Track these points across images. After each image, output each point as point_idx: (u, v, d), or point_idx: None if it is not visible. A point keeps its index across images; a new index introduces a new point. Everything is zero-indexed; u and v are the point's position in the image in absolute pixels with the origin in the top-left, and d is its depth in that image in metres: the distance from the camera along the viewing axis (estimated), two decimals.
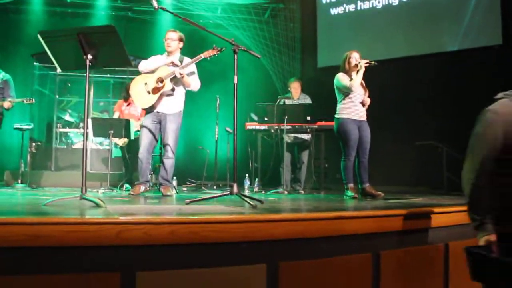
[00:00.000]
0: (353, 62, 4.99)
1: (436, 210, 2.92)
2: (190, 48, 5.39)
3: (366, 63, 4.92)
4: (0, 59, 6.17)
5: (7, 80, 6.09)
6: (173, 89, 4.90)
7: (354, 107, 4.99)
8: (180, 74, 4.80)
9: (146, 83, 4.87)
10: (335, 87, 5.08)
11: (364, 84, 5.09)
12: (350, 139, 4.92)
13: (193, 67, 4.99)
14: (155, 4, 3.66)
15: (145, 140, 4.98)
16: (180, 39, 5.03)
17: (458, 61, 7.36)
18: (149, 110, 4.97)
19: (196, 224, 2.10)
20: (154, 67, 4.91)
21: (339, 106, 5.06)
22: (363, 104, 5.05)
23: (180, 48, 5.07)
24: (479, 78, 6.97)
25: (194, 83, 5.01)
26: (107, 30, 3.19)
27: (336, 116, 5.06)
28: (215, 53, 4.74)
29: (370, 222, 2.57)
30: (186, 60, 5.00)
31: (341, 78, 5.01)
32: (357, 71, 4.93)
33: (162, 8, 3.81)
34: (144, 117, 5.12)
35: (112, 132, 6.10)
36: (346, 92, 4.97)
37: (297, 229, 2.31)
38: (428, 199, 4.51)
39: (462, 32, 7.51)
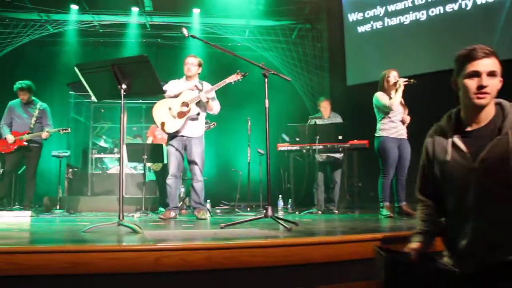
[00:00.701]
0: (392, 81, 4.98)
1: None
2: (219, 71, 5.47)
3: (405, 81, 4.91)
4: (37, 89, 6.41)
5: (44, 109, 6.32)
6: (198, 113, 4.98)
7: (394, 125, 4.96)
8: (206, 98, 4.88)
9: (170, 108, 4.93)
10: (374, 106, 5.07)
11: (403, 102, 5.05)
12: (389, 157, 4.88)
13: (213, 92, 5.06)
14: (185, 32, 3.75)
15: (173, 165, 5.03)
16: (199, 64, 5.14)
17: None
18: (173, 135, 5.02)
19: (232, 249, 2.11)
20: (177, 92, 4.99)
21: (379, 125, 5.04)
22: (403, 122, 5.01)
23: (199, 73, 5.16)
24: None
25: (216, 107, 5.09)
26: (140, 60, 3.28)
27: (376, 134, 5.04)
28: (239, 78, 4.82)
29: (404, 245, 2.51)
30: (206, 84, 5.09)
31: (380, 97, 4.99)
32: (396, 90, 4.91)
33: (192, 36, 3.89)
34: (168, 142, 5.14)
35: (146, 157, 6.21)
36: (386, 111, 4.94)
37: (333, 252, 2.28)
38: None
39: (494, 43, 7.37)
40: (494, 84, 1.95)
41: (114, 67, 3.18)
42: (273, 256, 2.14)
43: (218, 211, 7.27)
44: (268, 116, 3.50)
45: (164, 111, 4.96)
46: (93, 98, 3.59)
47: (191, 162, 5.04)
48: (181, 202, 6.60)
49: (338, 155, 6.44)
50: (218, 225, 3.48)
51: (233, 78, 4.84)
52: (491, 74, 1.95)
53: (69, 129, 6.36)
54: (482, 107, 1.95)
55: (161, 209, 6.52)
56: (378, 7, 8.65)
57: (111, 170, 8.69)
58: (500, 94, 2.04)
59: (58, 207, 6.98)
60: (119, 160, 3.32)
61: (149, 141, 7.10)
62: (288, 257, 2.17)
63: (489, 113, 1.98)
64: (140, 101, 9.53)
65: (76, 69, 3.33)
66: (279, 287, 2.15)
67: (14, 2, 8.48)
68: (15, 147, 6.07)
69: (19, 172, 6.94)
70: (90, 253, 1.94)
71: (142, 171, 6.81)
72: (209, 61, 9.06)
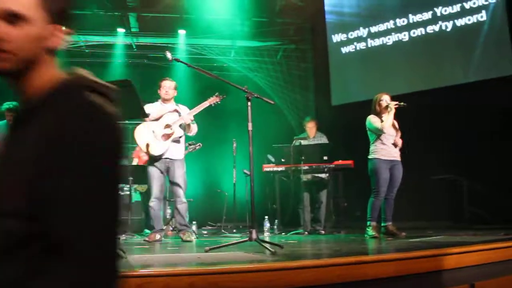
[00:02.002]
0: (384, 104, 5.08)
1: (460, 249, 2.86)
2: (204, 92, 5.52)
3: (396, 104, 5.02)
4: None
5: None
6: (181, 136, 5.01)
7: (385, 147, 5.05)
8: (191, 119, 4.93)
9: (153, 131, 4.96)
10: (367, 129, 5.16)
11: (396, 125, 5.14)
12: (380, 179, 4.95)
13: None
14: (169, 56, 3.78)
15: (156, 187, 5.02)
16: (175, 88, 5.21)
17: (471, 93, 7.33)
18: (156, 157, 5.02)
19: (215, 274, 2.10)
20: (158, 115, 5.02)
21: (371, 148, 5.14)
22: (395, 145, 5.09)
23: (174, 96, 5.21)
24: (494, 109, 6.93)
25: (195, 129, 5.16)
26: (124, 84, 3.29)
27: (369, 157, 5.14)
28: (218, 100, 4.95)
29: (392, 266, 2.52)
30: (183, 107, 5.16)
31: (372, 120, 5.08)
32: (388, 113, 5.01)
33: (176, 60, 3.93)
34: (150, 165, 5.11)
35: (131, 178, 6.17)
36: (378, 133, 5.03)
37: (315, 276, 2.28)
38: (450, 236, 4.43)
39: (474, 63, 7.53)
40: (17, 36, 1.02)
41: None
42: (256, 281, 2.13)
43: (205, 232, 7.22)
44: (251, 139, 3.52)
45: (147, 134, 4.97)
46: None
47: (174, 184, 5.03)
48: (167, 224, 6.54)
49: (323, 175, 6.47)
50: (203, 248, 3.46)
51: (212, 101, 4.96)
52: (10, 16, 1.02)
53: None
54: None
55: (147, 231, 6.45)
56: (361, 28, 8.80)
57: None
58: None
59: None
60: None
61: (134, 162, 7.06)
62: (271, 282, 2.16)
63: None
64: (126, 121, 9.48)
65: None
66: None
67: None
68: None
69: None
70: None
71: (128, 192, 6.76)
72: (194, 81, 9.11)
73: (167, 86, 5.13)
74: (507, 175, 6.52)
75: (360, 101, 5.43)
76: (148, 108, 5.10)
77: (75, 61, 9.87)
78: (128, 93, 3.26)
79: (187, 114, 4.95)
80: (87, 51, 9.74)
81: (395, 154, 5.08)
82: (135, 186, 6.80)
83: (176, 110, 5.05)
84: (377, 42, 8.60)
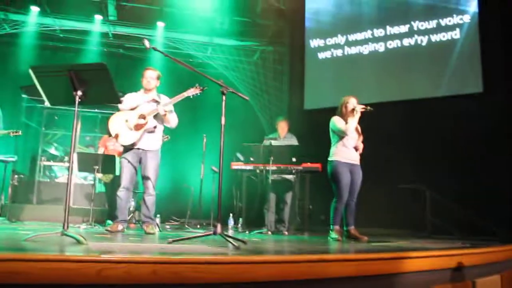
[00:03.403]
0: (350, 107, 5.09)
1: (419, 254, 2.93)
2: (179, 85, 5.46)
3: (362, 108, 5.04)
4: None
5: None
6: (155, 126, 4.94)
7: (346, 150, 5.06)
8: (164, 111, 4.85)
9: (127, 120, 4.88)
10: (330, 130, 5.17)
11: (359, 129, 5.18)
12: (341, 182, 4.97)
13: (171, 105, 5.05)
14: (147, 44, 3.73)
15: (126, 177, 4.95)
16: (158, 77, 5.12)
17: (441, 108, 7.53)
18: (129, 147, 4.96)
19: (178, 264, 2.08)
20: (134, 104, 4.95)
21: (332, 149, 5.13)
22: (356, 148, 5.13)
23: (157, 86, 5.14)
24: (461, 124, 7.14)
25: (174, 120, 5.06)
26: (98, 67, 3.23)
27: (329, 159, 5.13)
28: (198, 92, 4.81)
29: (352, 266, 2.56)
30: (164, 97, 5.07)
31: (336, 122, 5.10)
32: (353, 116, 5.03)
33: (153, 48, 3.89)
34: (123, 154, 5.07)
35: (97, 167, 6.07)
36: (341, 135, 5.05)
37: (279, 272, 2.29)
38: (410, 243, 4.52)
39: (446, 79, 7.74)
40: None
41: (71, 72, 3.11)
42: (218, 273, 2.12)
43: (168, 226, 7.17)
44: (223, 133, 3.52)
45: (120, 123, 4.89)
46: (47, 103, 3.50)
47: (145, 176, 4.97)
48: (130, 216, 6.46)
49: (290, 177, 6.51)
50: (166, 240, 3.43)
51: (191, 92, 4.83)
52: None
53: (20, 132, 6.11)
54: None
55: (109, 222, 6.35)
56: (339, 35, 8.92)
57: (60, 179, 8.43)
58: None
59: None
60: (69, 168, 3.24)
61: (101, 151, 6.95)
62: (234, 274, 2.16)
63: None
64: (96, 110, 9.35)
65: (31, 72, 3.24)
66: None
67: None
68: None
69: None
70: (29, 262, 1.86)
71: (92, 182, 6.64)
72: (169, 74, 9.01)
73: (149, 76, 5.05)
74: (470, 188, 6.73)
75: (332, 107, 5.47)
76: (128, 96, 5.04)
77: (48, 44, 9.69)
78: (102, 77, 3.20)
79: (162, 105, 4.88)
80: (61, 35, 9.53)
81: (355, 158, 5.13)
82: (100, 175, 6.68)
83: (155, 100, 4.96)
84: (354, 50, 8.73)
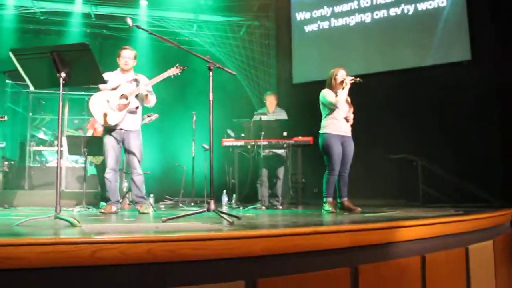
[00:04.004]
0: (339, 79, 5.05)
1: (412, 222, 2.95)
2: (164, 64, 5.38)
3: (352, 80, 4.99)
4: None
5: None
6: (137, 107, 4.90)
7: (337, 122, 5.05)
8: (148, 90, 4.81)
9: (108, 101, 4.82)
10: (320, 103, 5.13)
11: (349, 100, 5.16)
12: (333, 154, 4.97)
13: (151, 86, 4.99)
14: (129, 22, 3.65)
15: (111, 159, 4.94)
16: (135, 57, 5.05)
17: (430, 77, 7.53)
18: (111, 128, 4.90)
19: (173, 242, 2.07)
20: (114, 85, 4.88)
21: (323, 122, 5.11)
22: (346, 120, 5.11)
23: (133, 65, 5.07)
24: (450, 93, 7.15)
25: (153, 100, 5.04)
26: (81, 48, 3.16)
27: (320, 131, 5.11)
28: (178, 71, 4.74)
29: (347, 236, 2.58)
30: (142, 77, 5.01)
31: (326, 94, 5.06)
32: (343, 88, 5.00)
33: (137, 26, 3.80)
34: (104, 135, 5.02)
35: (86, 150, 6.02)
36: (331, 108, 5.03)
37: (274, 245, 2.30)
38: (404, 212, 4.56)
39: (433, 48, 7.71)
40: None
41: (53, 54, 3.04)
42: (214, 249, 2.12)
43: (162, 206, 7.17)
44: (212, 109, 3.49)
45: (102, 104, 4.82)
46: (31, 87, 3.43)
47: (130, 156, 4.95)
48: (124, 197, 6.44)
49: (282, 151, 6.51)
50: (160, 219, 3.42)
51: (172, 72, 4.75)
52: None
53: (5, 117, 5.99)
54: None
55: (103, 203, 6.33)
56: (325, 7, 8.83)
57: (51, 163, 8.36)
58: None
59: None
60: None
61: (89, 134, 6.89)
62: (230, 250, 2.16)
63: None
64: (83, 92, 9.22)
65: (11, 55, 3.16)
66: (221, 280, 2.14)
67: None
68: None
69: None
70: (22, 247, 1.85)
71: (83, 165, 6.60)
72: (153, 53, 8.93)
73: (127, 56, 4.97)
74: (461, 156, 6.78)
75: (320, 80, 5.43)
76: (105, 76, 4.95)
77: (29, 28, 9.48)
78: (86, 57, 3.14)
79: (145, 85, 4.82)
80: (42, 18, 9.33)
81: (346, 130, 5.12)
82: (90, 158, 6.63)
83: (134, 80, 4.90)
84: (340, 22, 8.66)
